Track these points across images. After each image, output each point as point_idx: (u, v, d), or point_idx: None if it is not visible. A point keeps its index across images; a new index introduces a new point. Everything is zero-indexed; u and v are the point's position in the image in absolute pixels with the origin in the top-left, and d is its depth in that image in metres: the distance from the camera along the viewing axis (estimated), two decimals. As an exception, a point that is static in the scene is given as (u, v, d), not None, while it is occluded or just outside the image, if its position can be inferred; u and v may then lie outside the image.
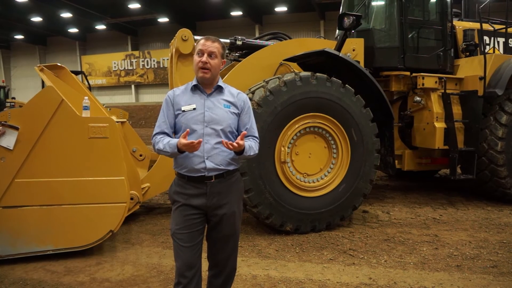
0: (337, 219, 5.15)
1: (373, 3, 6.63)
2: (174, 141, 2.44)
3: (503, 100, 6.15)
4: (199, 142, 2.32)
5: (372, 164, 5.20)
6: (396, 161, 6.24)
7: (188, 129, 2.41)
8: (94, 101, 5.75)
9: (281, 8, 29.30)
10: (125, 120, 7.03)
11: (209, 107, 2.51)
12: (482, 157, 6.15)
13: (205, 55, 2.48)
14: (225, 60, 2.62)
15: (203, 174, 2.48)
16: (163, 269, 3.98)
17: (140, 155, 6.52)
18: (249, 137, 2.62)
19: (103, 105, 6.64)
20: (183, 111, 2.51)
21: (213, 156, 2.48)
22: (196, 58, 2.52)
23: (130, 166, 4.99)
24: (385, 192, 7.37)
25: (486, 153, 6.12)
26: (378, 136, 5.28)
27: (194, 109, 2.50)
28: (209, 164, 2.47)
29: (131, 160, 5.37)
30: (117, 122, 5.17)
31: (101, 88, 36.49)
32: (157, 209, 6.40)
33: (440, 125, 6.14)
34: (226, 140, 2.41)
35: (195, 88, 2.57)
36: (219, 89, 2.60)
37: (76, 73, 10.98)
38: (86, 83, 14.09)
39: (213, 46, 2.50)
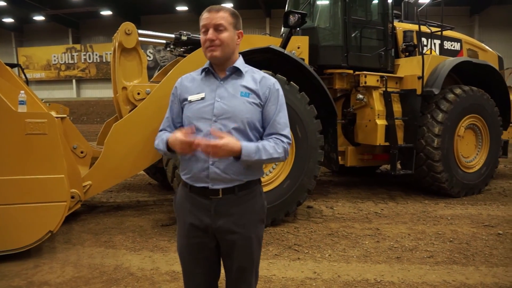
0: (282, 215, 5.19)
1: (318, 2, 6.75)
2: (167, 136, 1.97)
3: (439, 99, 6.42)
4: (197, 144, 1.76)
5: (316, 160, 5.28)
6: (340, 157, 6.37)
7: (193, 126, 1.89)
8: (31, 96, 5.44)
9: (227, 5, 28.99)
10: (65, 116, 6.71)
11: (221, 96, 1.95)
12: (420, 153, 6.40)
13: (211, 30, 1.92)
14: (241, 30, 2.02)
15: (206, 185, 1.94)
16: (106, 269, 3.85)
17: (81, 152, 6.26)
18: (272, 136, 2.02)
19: (42, 100, 6.33)
20: (190, 101, 1.99)
21: (220, 162, 1.91)
22: (201, 37, 1.97)
23: (71, 163, 4.79)
24: (329, 188, 7.52)
25: (423, 149, 6.36)
26: (322, 132, 5.37)
27: (203, 98, 1.97)
28: (213, 172, 1.91)
29: (71, 157, 5.15)
30: (57, 117, 4.93)
31: (40, 82, 34.99)
32: (99, 208, 6.18)
33: (381, 122, 6.32)
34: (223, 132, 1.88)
35: (207, 72, 2.04)
36: (237, 72, 2.02)
37: (12, 65, 10.38)
38: (23, 76, 13.45)
39: (219, 16, 1.92)
